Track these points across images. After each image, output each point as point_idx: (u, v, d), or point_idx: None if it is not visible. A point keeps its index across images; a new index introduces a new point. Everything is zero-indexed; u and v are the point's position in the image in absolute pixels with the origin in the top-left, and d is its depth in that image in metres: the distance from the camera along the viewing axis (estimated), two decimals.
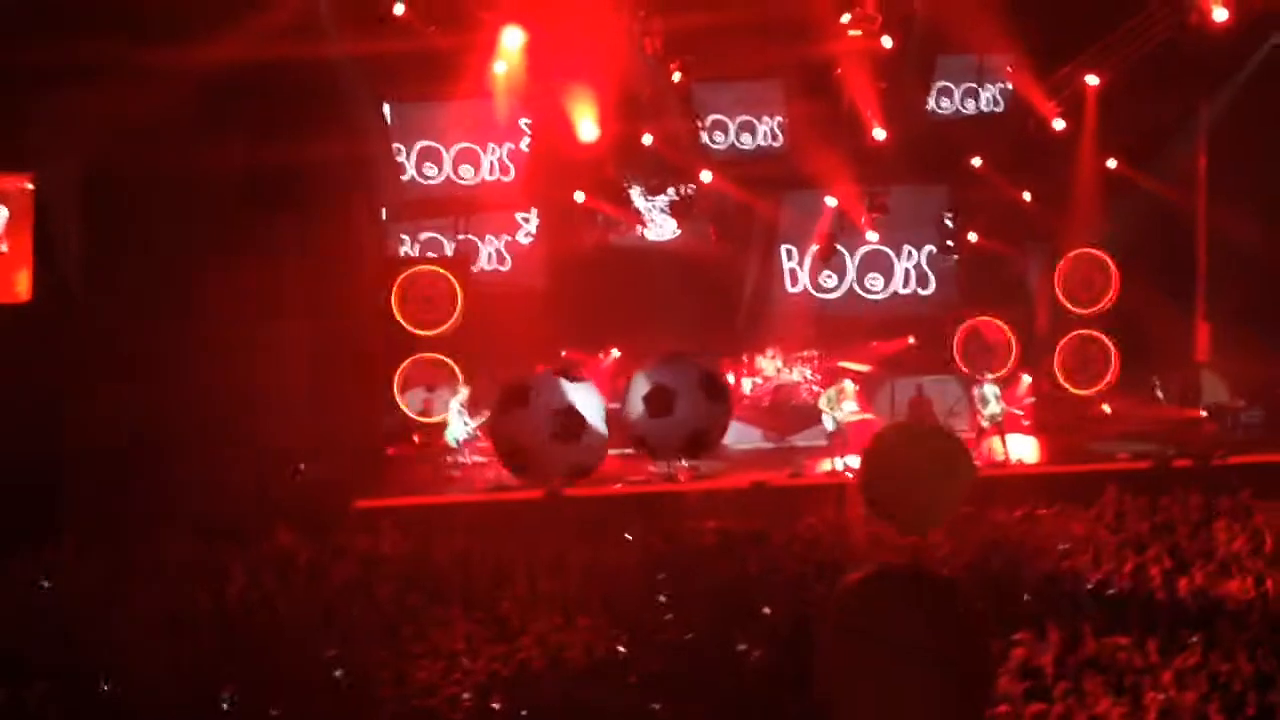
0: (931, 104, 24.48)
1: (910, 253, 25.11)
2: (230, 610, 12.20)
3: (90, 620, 11.43)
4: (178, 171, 17.13)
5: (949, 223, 24.62)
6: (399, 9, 20.30)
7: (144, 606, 11.88)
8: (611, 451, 19.84)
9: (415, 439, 21.57)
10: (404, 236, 24.01)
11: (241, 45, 17.49)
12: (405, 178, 23.84)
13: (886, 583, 8.53)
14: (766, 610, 10.77)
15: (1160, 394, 22.19)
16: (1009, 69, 23.97)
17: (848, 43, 22.42)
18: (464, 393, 19.66)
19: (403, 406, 21.84)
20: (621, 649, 10.57)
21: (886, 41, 22.33)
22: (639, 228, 23.47)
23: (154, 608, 11.86)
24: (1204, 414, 21.90)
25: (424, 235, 24.16)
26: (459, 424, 19.55)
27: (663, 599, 11.59)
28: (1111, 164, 23.07)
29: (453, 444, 19.61)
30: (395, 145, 23.50)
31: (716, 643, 10.49)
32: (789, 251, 25.07)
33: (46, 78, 15.80)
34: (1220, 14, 20.63)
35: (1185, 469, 17.46)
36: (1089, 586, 12.10)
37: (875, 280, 25.09)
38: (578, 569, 13.02)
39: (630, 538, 14.62)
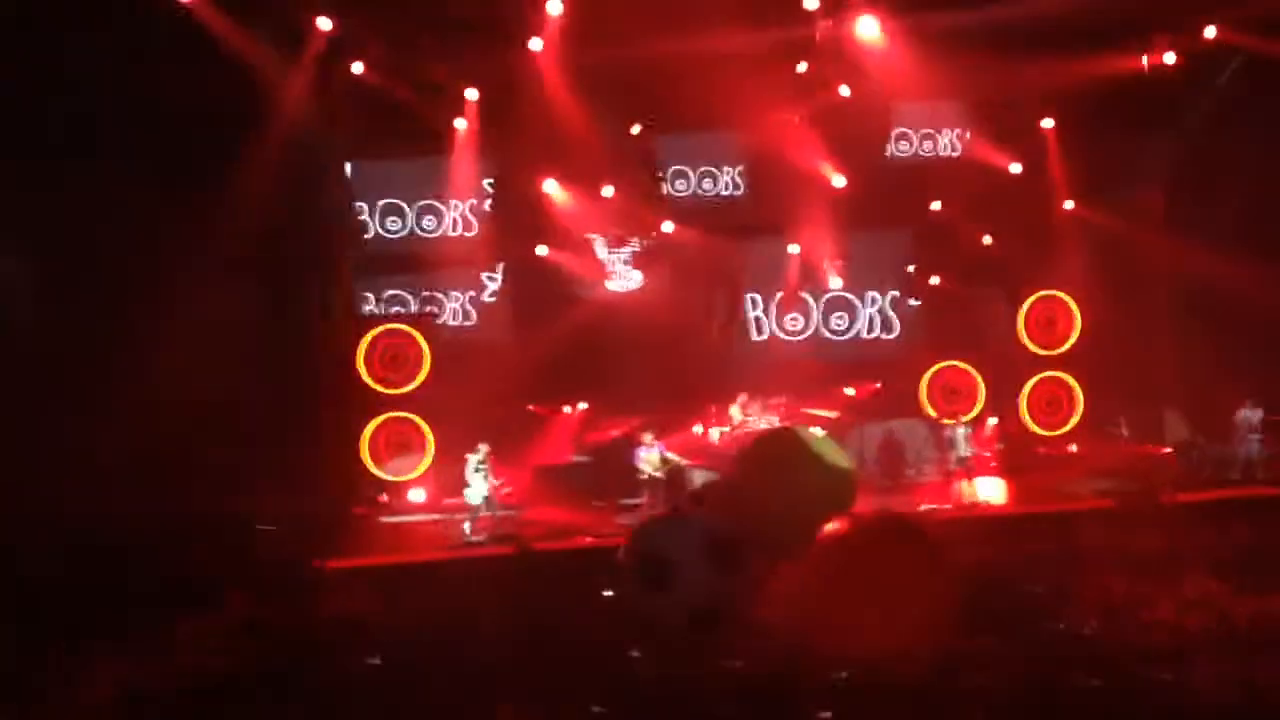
0: (890, 150, 24.67)
1: (874, 298, 25.26)
2: (197, 682, 12.01)
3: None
4: (138, 235, 17.08)
5: (910, 268, 24.76)
6: (357, 68, 20.39)
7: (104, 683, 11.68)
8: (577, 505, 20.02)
9: (381, 499, 21.41)
10: (368, 295, 23.93)
11: (199, 105, 17.51)
12: (368, 235, 23.85)
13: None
14: (739, 664, 10.66)
15: (1125, 432, 22.28)
16: (965, 113, 24.30)
17: (806, 91, 22.61)
18: (483, 450, 19.35)
19: (370, 466, 21.72)
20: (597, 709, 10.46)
21: (844, 90, 22.53)
22: (603, 280, 23.47)
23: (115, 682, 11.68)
24: (1168, 451, 22.01)
25: (388, 293, 24.13)
26: (480, 482, 19.24)
27: (635, 654, 11.46)
28: (1069, 205, 23.29)
29: (475, 503, 19.31)
30: (357, 203, 23.49)
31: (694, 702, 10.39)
32: (754, 300, 25.18)
33: None
34: (1169, 58, 21.17)
35: (1145, 507, 17.51)
36: (1060, 626, 12.08)
37: (840, 325, 25.20)
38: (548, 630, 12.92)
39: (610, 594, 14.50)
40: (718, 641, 10.36)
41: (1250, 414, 20.10)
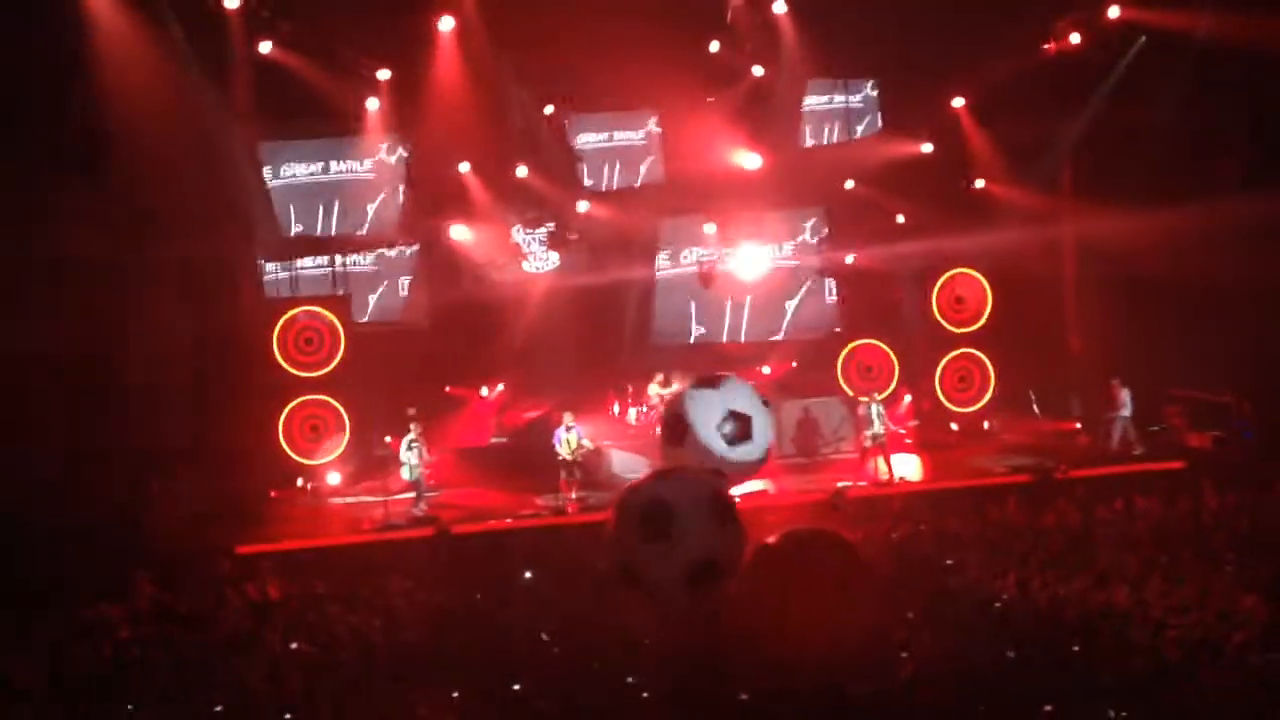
0: (804, 130, 24.81)
1: (789, 276, 25.40)
2: (112, 668, 11.89)
3: None
4: (42, 215, 16.83)
5: (822, 245, 24.99)
6: (265, 47, 20.15)
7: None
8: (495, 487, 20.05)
9: (302, 484, 21.22)
10: (282, 277, 23.66)
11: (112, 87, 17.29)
12: (281, 218, 23.59)
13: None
14: (646, 641, 10.74)
15: (1036, 408, 22.65)
16: (878, 94, 24.56)
17: (719, 71, 22.69)
18: (416, 428, 19.19)
19: (286, 449, 21.52)
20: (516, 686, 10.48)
21: (757, 70, 22.63)
22: (519, 261, 23.39)
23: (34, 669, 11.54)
24: (1078, 426, 22.39)
25: (302, 275, 23.90)
26: (414, 459, 19.09)
27: (545, 637, 11.50)
28: (980, 184, 23.56)
29: (410, 479, 19.18)
30: (270, 185, 23.23)
31: (609, 680, 10.45)
32: (669, 279, 25.25)
33: None
34: (1075, 38, 21.54)
35: (1060, 481, 17.85)
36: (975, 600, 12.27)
37: (756, 305, 25.34)
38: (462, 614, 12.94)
39: (530, 575, 14.51)
40: (706, 599, 10.45)
41: (1125, 393, 20.55)
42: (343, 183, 23.98)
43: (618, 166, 24.84)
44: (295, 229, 23.88)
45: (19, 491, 15.87)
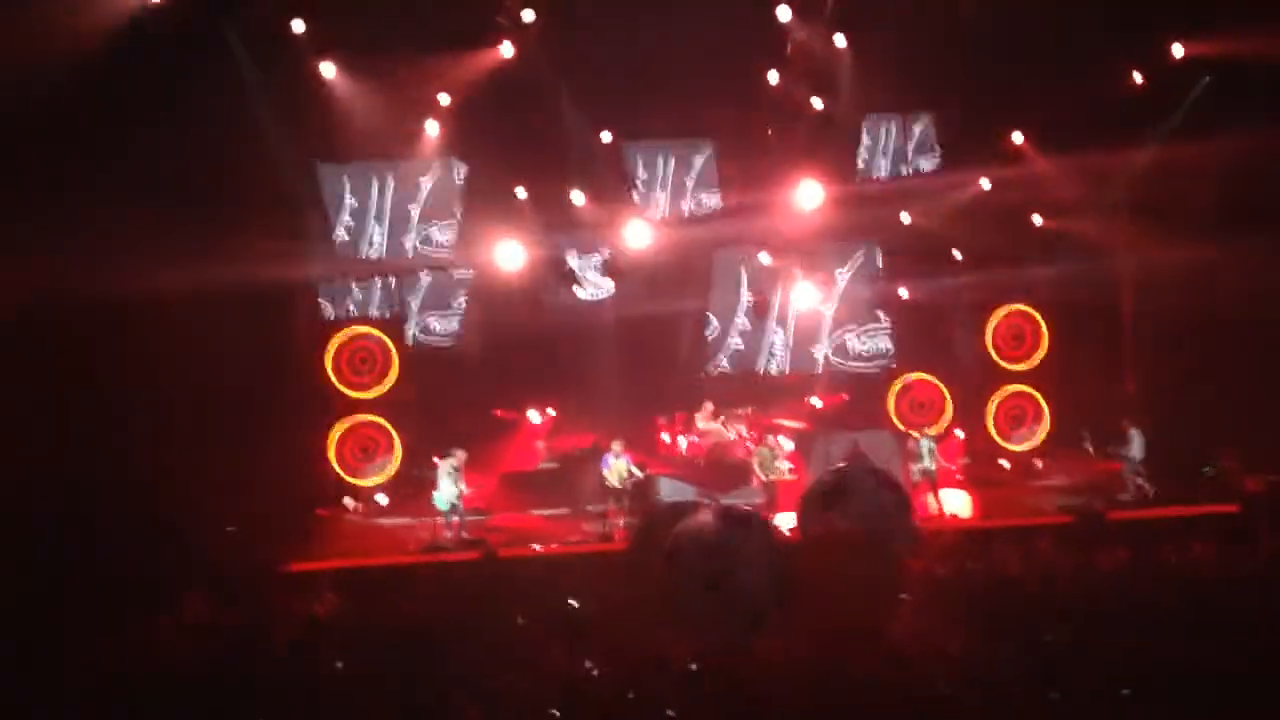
0: (861, 163, 24.77)
1: (843, 308, 25.30)
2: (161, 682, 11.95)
3: None
4: (103, 239, 17.00)
5: (877, 278, 24.87)
6: (328, 69, 20.36)
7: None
8: (543, 512, 20.06)
9: (349, 504, 21.33)
10: (337, 298, 23.83)
11: (170, 110, 17.48)
12: (338, 239, 23.78)
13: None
14: (693, 666, 10.68)
15: (1089, 447, 22.38)
16: (936, 127, 24.48)
17: (777, 102, 22.69)
18: (459, 455, 19.24)
19: (336, 468, 21.66)
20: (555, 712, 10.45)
21: (816, 103, 22.62)
22: (573, 287, 23.45)
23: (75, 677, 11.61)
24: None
25: (357, 297, 24.07)
26: (450, 488, 19.15)
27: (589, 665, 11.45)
28: (1038, 220, 23.38)
29: (442, 508, 19.19)
30: (327, 207, 23.42)
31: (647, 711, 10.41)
32: (723, 308, 25.22)
33: None
34: (1138, 77, 21.38)
35: (1109, 522, 17.62)
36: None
37: (809, 337, 25.26)
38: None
39: (575, 604, 14.48)
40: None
41: (1134, 434, 20.35)
42: (400, 205, 24.10)
43: (674, 195, 24.83)
44: (351, 250, 24.02)
45: (75, 504, 16.04)
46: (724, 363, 25.18)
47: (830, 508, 11.49)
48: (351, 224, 24.06)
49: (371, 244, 24.13)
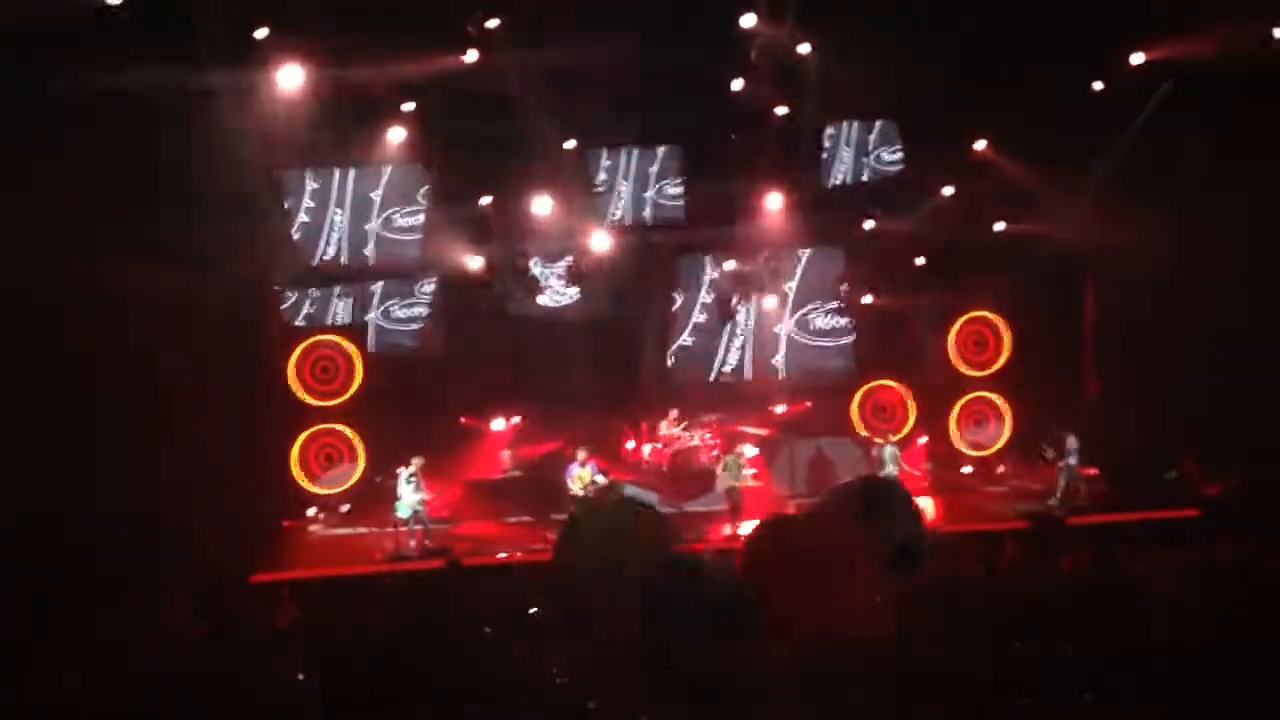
0: (824, 169, 24.83)
1: (806, 315, 25.37)
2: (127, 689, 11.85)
3: None
4: (72, 243, 16.88)
5: (844, 287, 24.93)
6: (290, 75, 20.23)
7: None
8: (508, 520, 20.02)
9: (311, 514, 21.19)
10: (300, 306, 23.73)
11: (133, 111, 17.37)
12: (300, 244, 23.65)
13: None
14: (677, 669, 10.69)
15: (1049, 454, 22.53)
16: (900, 133, 24.59)
17: (742, 109, 22.72)
18: (416, 463, 19.21)
19: (299, 479, 21.57)
20: None
21: (780, 109, 22.68)
22: (536, 294, 23.43)
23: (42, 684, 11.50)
24: (1095, 472, 22.28)
25: (320, 304, 23.98)
26: (411, 495, 19.11)
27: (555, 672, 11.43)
28: (999, 226, 23.48)
29: (404, 516, 19.14)
30: (289, 213, 23.30)
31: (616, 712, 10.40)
32: (686, 315, 25.24)
33: None
34: (1097, 84, 21.52)
35: (1068, 528, 17.72)
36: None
37: (772, 343, 25.31)
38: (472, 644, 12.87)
39: (535, 611, 14.45)
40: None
41: (1070, 441, 20.63)
42: (363, 211, 24.01)
43: (638, 202, 24.84)
44: (314, 257, 23.92)
45: (47, 511, 15.94)
46: (688, 369, 25.19)
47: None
48: (312, 225, 23.88)
49: (332, 244, 23.96)
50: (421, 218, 23.95)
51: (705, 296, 25.16)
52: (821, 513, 11.71)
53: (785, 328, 25.19)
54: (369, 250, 24.09)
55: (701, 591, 10.18)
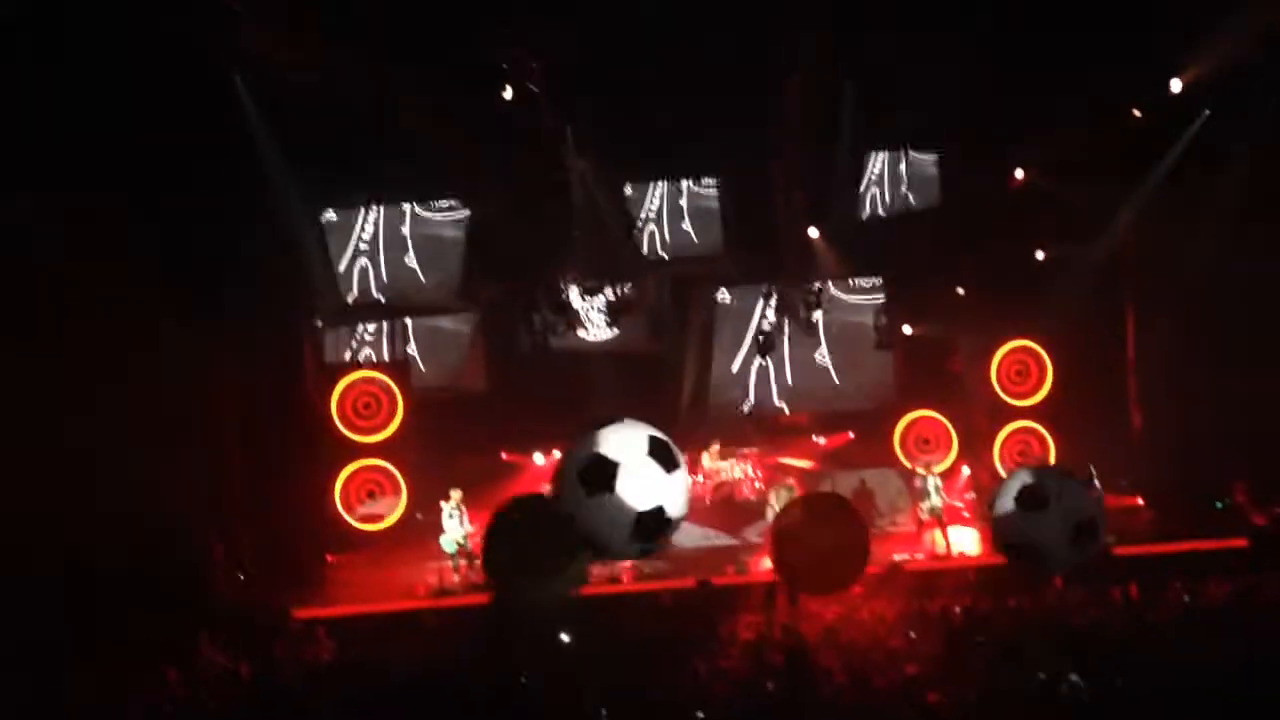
0: (863, 199, 24.77)
1: (847, 347, 25.28)
2: None
3: None
4: (103, 278, 17.02)
5: (884, 316, 24.83)
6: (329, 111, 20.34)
7: None
8: None
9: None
10: (341, 342, 23.82)
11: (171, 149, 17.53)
12: (341, 282, 23.80)
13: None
14: (700, 715, 10.60)
15: (1097, 482, 22.30)
16: (939, 165, 24.53)
17: (780, 140, 22.71)
18: (456, 495, 19.19)
19: (343, 513, 21.64)
20: None
21: (819, 139, 22.64)
22: (576, 329, 23.45)
23: None
24: (1141, 501, 22.09)
25: (362, 340, 24.10)
26: (455, 529, 19.02)
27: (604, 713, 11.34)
28: (1040, 255, 23.35)
29: (450, 550, 19.12)
30: (330, 250, 23.43)
31: None
32: (726, 348, 25.20)
33: None
34: (1136, 113, 21.39)
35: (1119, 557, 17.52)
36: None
37: (813, 375, 25.23)
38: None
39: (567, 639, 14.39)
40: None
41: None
42: (404, 246, 24.14)
43: (677, 235, 24.85)
44: (355, 293, 24.05)
45: (81, 546, 16.01)
46: (728, 401, 25.16)
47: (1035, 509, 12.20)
48: (356, 267, 24.07)
49: (376, 286, 24.10)
50: (460, 269, 24.00)
51: (744, 329, 25.10)
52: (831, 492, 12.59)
53: (825, 359, 25.12)
54: (407, 285, 24.19)
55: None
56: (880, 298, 25.11)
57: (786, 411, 25.18)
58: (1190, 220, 21.48)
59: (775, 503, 20.25)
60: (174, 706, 12.48)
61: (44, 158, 15.95)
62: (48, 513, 15.95)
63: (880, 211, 25.03)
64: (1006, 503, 11.56)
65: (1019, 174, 23.03)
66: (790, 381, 25.28)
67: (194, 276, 18.23)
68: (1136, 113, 21.73)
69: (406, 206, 23.86)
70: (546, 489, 10.75)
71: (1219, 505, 20.15)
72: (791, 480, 21.29)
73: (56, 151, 16.08)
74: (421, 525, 21.02)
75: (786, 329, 24.21)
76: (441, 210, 23.96)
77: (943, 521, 19.79)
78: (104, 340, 17.29)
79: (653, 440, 10.43)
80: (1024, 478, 11.68)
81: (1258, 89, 20.22)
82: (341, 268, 23.80)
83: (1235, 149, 21.09)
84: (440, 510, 19.24)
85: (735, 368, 25.21)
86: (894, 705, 10.40)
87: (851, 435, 24.05)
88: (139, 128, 17.04)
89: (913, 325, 24.37)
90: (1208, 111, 21.48)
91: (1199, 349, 21.32)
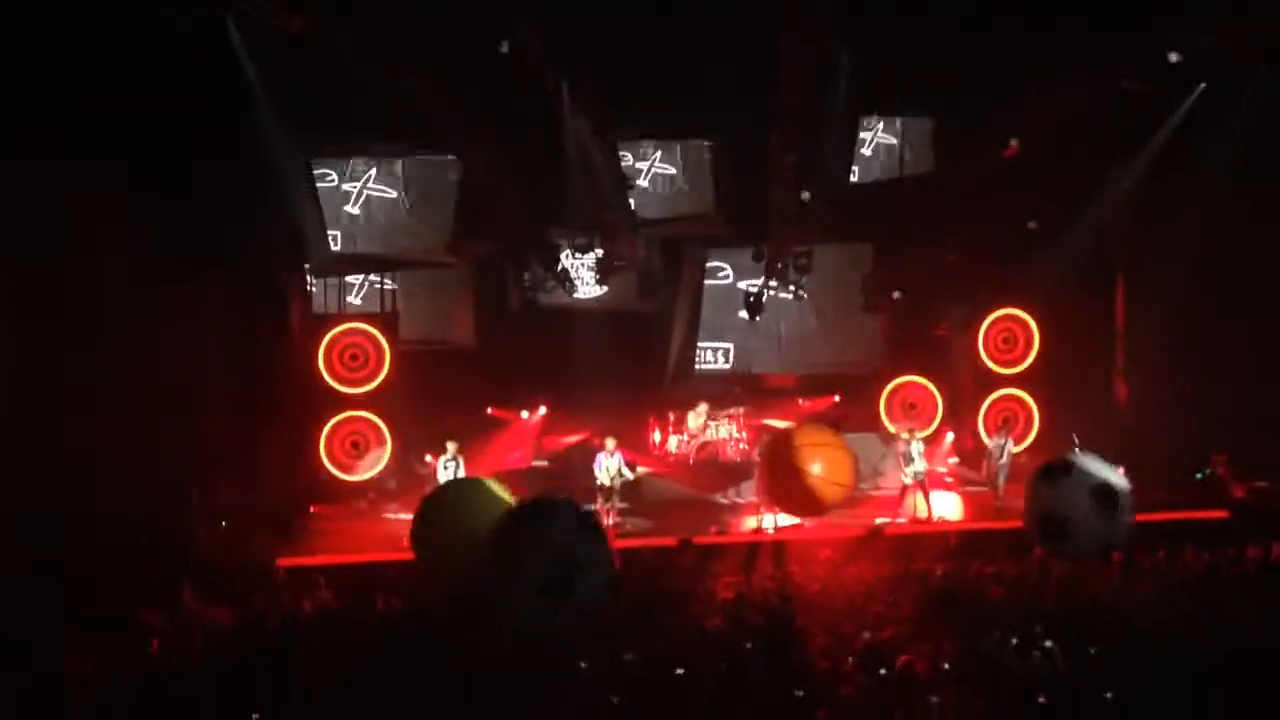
0: (856, 164, 24.76)
1: (835, 310, 25.32)
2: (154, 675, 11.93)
3: None
4: (94, 230, 17.00)
5: (872, 281, 24.86)
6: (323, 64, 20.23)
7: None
8: None
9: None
10: (330, 293, 23.78)
11: (162, 100, 17.45)
12: (331, 233, 23.77)
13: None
14: (680, 671, 10.69)
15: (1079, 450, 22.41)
16: (933, 132, 24.53)
17: (776, 104, 22.65)
18: (453, 447, 19.17)
19: (327, 464, 21.66)
20: None
21: (812, 104, 22.58)
22: (566, 286, 23.46)
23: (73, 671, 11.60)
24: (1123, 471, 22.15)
25: (351, 291, 24.10)
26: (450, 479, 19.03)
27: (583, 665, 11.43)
28: (1032, 225, 23.35)
29: None
30: (320, 201, 23.37)
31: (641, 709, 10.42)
32: (715, 308, 25.23)
33: None
34: (1136, 84, 21.34)
35: None
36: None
37: (800, 338, 25.28)
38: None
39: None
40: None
41: (1002, 442, 20.97)
42: (395, 200, 24.11)
43: (669, 196, 24.84)
44: (344, 245, 24.02)
45: (62, 496, 16.05)
46: (715, 362, 25.21)
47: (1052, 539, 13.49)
48: (345, 219, 24.07)
49: (366, 239, 24.11)
50: (451, 207, 23.97)
51: (734, 291, 25.11)
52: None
53: (813, 322, 25.17)
54: (397, 238, 24.17)
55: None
56: (870, 263, 25.11)
57: (773, 373, 25.19)
58: (1182, 193, 21.51)
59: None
60: (158, 655, 12.55)
61: (33, 114, 15.93)
62: (33, 465, 16.02)
63: (873, 176, 25.06)
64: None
65: (1013, 143, 22.99)
66: (778, 343, 25.31)
67: (184, 224, 18.20)
68: (1130, 84, 21.68)
69: (399, 160, 23.80)
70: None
71: (1199, 476, 20.26)
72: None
73: (46, 106, 16.06)
74: (410, 478, 21.05)
75: (775, 291, 24.16)
76: (434, 164, 23.90)
77: (925, 486, 19.88)
78: (97, 286, 17.34)
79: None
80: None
81: (1253, 64, 20.22)
82: (332, 218, 23.75)
83: (1230, 122, 21.08)
84: (431, 464, 19.28)
85: (722, 328, 25.21)
86: (871, 666, 10.49)
87: (837, 398, 24.12)
88: (130, 80, 17.00)
89: (901, 291, 24.39)
90: (1203, 85, 21.45)
91: (1185, 321, 21.39)
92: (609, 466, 19.57)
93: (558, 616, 11.24)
